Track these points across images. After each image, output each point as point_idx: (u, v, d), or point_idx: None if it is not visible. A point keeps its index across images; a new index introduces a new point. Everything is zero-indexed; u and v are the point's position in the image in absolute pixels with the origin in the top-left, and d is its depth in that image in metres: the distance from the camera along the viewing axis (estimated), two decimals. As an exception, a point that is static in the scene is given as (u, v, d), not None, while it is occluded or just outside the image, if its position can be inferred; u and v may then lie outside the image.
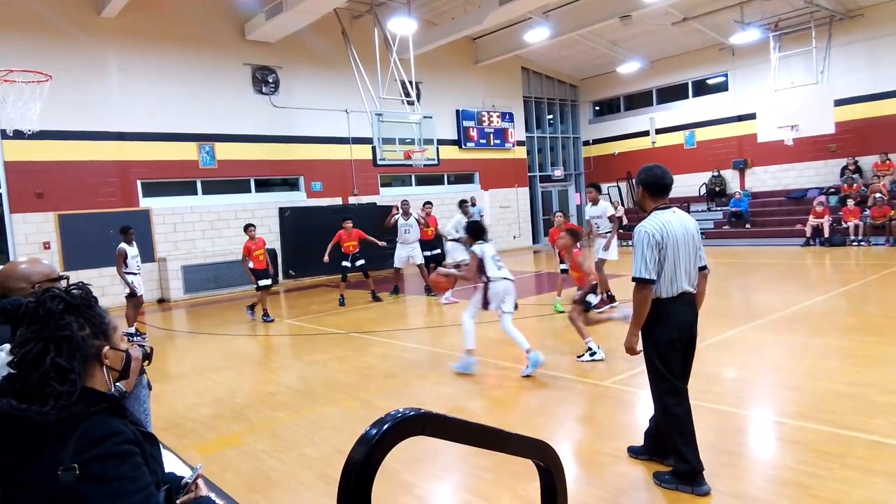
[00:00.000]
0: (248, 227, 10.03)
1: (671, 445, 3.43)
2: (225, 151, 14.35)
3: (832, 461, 3.53)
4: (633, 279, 3.37)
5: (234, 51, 14.50)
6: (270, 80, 15.06)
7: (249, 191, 15.10)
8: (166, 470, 1.68)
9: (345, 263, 11.00)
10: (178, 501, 1.61)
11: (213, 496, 1.95)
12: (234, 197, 14.73)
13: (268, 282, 10.09)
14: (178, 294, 13.24)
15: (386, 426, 1.07)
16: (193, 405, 5.59)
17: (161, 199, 13.66)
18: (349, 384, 5.98)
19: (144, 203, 13.41)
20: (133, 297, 9.08)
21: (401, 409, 1.13)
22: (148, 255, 13.34)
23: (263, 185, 15.44)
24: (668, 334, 3.38)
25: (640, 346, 3.47)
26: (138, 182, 13.31)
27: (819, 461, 3.55)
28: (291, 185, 15.89)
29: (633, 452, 3.82)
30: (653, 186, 3.47)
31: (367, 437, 1.06)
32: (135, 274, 9.10)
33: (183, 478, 1.72)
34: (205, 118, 14.05)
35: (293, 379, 6.40)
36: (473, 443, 1.31)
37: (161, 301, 13.29)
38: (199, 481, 1.73)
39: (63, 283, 2.50)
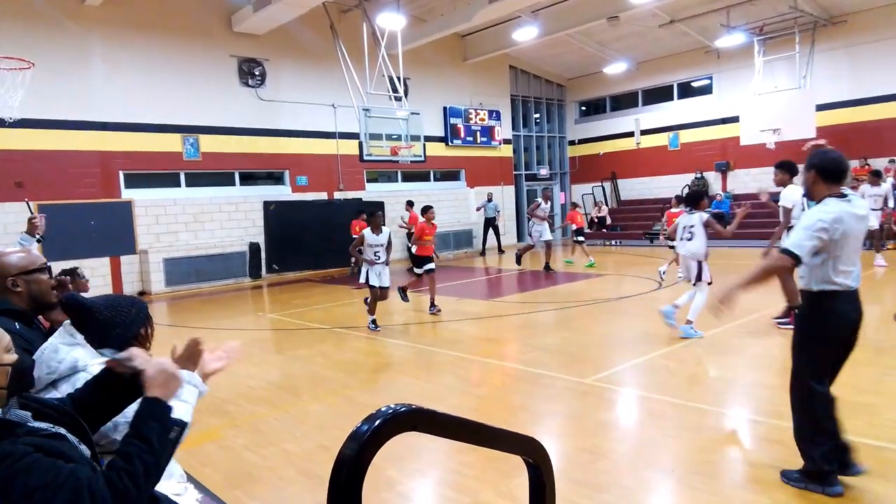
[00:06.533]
0: (428, 209, 9.26)
1: (803, 435, 3.32)
2: (209, 144, 14.21)
3: (809, 460, 3.58)
4: (782, 250, 3.14)
5: (220, 42, 14.34)
6: (257, 73, 14.92)
7: (234, 184, 14.97)
8: None
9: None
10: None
11: (194, 489, 1.92)
12: (218, 190, 14.58)
13: (432, 266, 9.22)
14: (159, 287, 13.10)
15: (378, 422, 1.06)
16: (174, 399, 5.53)
17: (143, 191, 13.49)
18: (332, 380, 5.97)
19: (126, 194, 13.23)
20: (372, 288, 8.18)
21: (392, 405, 1.13)
22: (129, 247, 13.19)
23: (248, 179, 15.31)
24: (830, 332, 3.22)
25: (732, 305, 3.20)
26: (120, 173, 13.13)
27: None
28: (276, 179, 15.78)
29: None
30: (828, 172, 3.19)
31: (358, 433, 1.05)
32: (370, 263, 8.20)
33: None
34: (189, 110, 13.89)
35: (275, 374, 6.37)
36: (464, 439, 1.32)
37: (142, 293, 13.13)
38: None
39: (45, 276, 2.44)
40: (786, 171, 6.75)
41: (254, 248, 14.68)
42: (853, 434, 3.91)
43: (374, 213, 8.56)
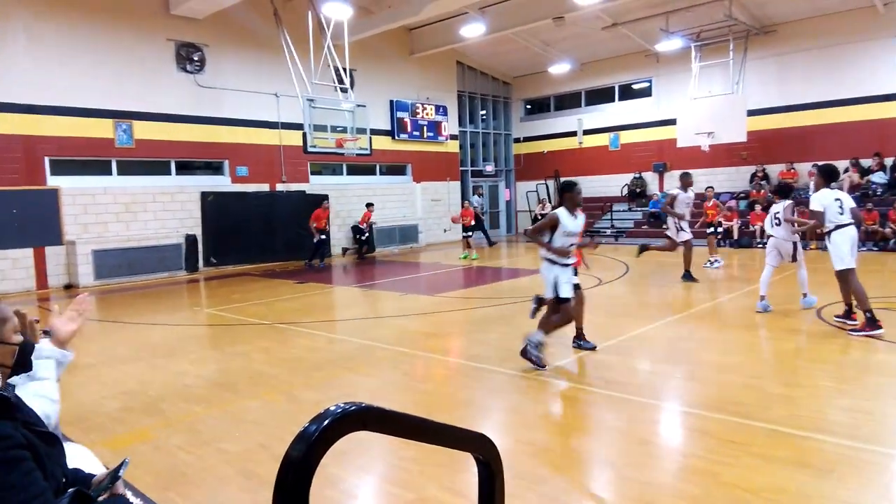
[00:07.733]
0: (571, 186, 5.92)
1: None
2: (144, 130, 13.60)
3: (737, 449, 3.76)
4: None
5: (157, 25, 13.74)
6: (196, 59, 14.39)
7: (170, 173, 14.40)
8: (81, 467, 1.58)
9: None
10: (99, 499, 1.52)
11: (128, 494, 1.84)
12: (152, 179, 14.00)
13: (576, 280, 6.08)
14: (87, 280, 12.46)
15: (326, 422, 1.03)
16: (101, 398, 5.27)
17: (71, 179, 12.79)
18: (273, 377, 5.83)
19: (52, 182, 12.51)
20: (564, 303, 5.74)
21: (341, 404, 1.10)
22: (55, 237, 12.50)
23: (185, 168, 14.76)
24: None
25: None
26: (46, 159, 12.40)
27: (725, 450, 3.77)
28: (215, 169, 15.28)
29: None
30: None
31: (306, 434, 1.02)
32: (557, 265, 5.66)
33: (93, 476, 1.62)
34: (123, 94, 13.25)
35: (212, 371, 6.17)
36: (415, 437, 1.30)
37: (68, 287, 12.48)
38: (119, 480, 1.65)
39: None
40: (821, 175, 6.97)
41: (190, 240, 14.17)
42: (775, 424, 4.14)
43: (571, 184, 5.76)
